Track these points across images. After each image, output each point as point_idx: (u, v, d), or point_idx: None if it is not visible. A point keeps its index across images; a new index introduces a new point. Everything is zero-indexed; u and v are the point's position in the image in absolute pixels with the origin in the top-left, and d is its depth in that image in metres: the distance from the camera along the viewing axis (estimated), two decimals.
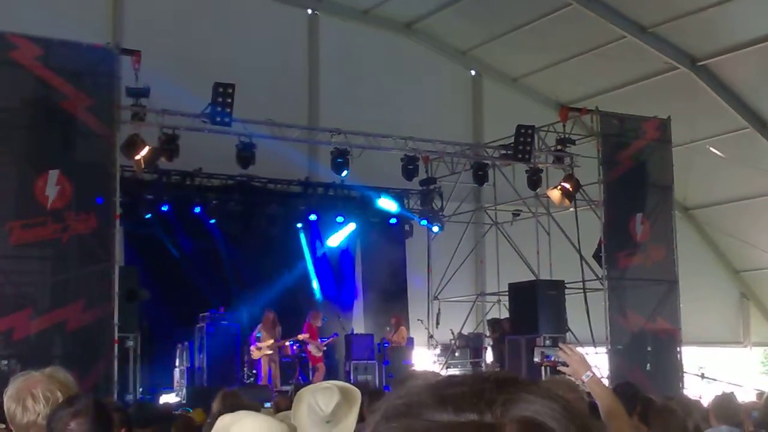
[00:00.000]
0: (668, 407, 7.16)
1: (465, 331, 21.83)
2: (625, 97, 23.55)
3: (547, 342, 18.66)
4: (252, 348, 18.46)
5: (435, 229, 22.65)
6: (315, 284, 21.76)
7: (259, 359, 18.46)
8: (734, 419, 7.79)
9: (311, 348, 19.13)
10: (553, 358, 5.10)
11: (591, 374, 4.69)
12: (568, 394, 4.07)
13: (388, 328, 20.79)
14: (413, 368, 19.43)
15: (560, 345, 5.08)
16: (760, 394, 14.13)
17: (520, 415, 1.22)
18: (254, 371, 18.70)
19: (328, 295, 21.74)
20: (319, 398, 4.20)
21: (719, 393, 8.82)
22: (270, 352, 18.39)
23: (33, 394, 3.50)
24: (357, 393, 4.37)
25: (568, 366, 4.81)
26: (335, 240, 22.13)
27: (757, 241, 25.63)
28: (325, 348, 19.45)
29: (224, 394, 7.06)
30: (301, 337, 18.97)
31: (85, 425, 3.35)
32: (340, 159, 18.84)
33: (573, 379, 4.82)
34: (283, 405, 9.25)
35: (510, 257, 21.50)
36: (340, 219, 21.91)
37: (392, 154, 19.90)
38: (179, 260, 19.83)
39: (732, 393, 8.86)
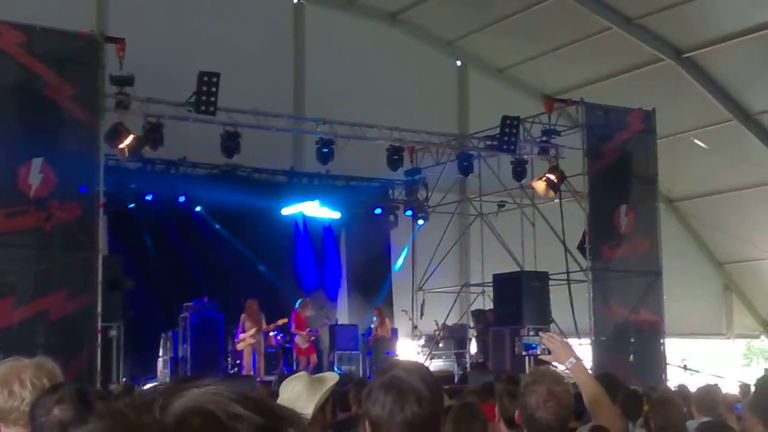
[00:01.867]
0: (667, 398, 7.18)
1: (449, 322, 21.86)
2: (610, 88, 23.57)
3: (531, 333, 18.70)
4: (236, 340, 18.42)
5: (420, 222, 22.68)
6: (299, 273, 21.77)
7: (242, 349, 18.43)
8: (716, 411, 7.82)
9: (297, 339, 19.05)
10: (536, 349, 5.04)
11: (574, 360, 4.62)
12: (554, 387, 4.05)
13: (375, 318, 20.63)
14: (396, 358, 19.44)
15: (541, 333, 5.04)
16: (743, 386, 14.20)
17: (180, 408, 1.21)
18: (238, 361, 18.67)
19: (313, 284, 21.70)
20: (285, 389, 4.24)
21: (702, 385, 8.85)
22: (253, 341, 18.33)
23: (21, 379, 3.48)
24: (326, 382, 4.36)
25: (550, 353, 4.76)
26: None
27: (741, 234, 25.73)
28: (312, 338, 19.32)
29: None
30: (281, 322, 18.83)
31: (68, 411, 3.34)
32: (326, 149, 18.79)
33: (557, 367, 4.77)
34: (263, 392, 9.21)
35: (495, 248, 21.52)
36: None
37: (377, 144, 19.87)
38: (163, 249, 19.76)
39: (715, 385, 8.90)
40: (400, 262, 23.13)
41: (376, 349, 20.01)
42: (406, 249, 23.09)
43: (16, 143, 14.44)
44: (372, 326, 20.47)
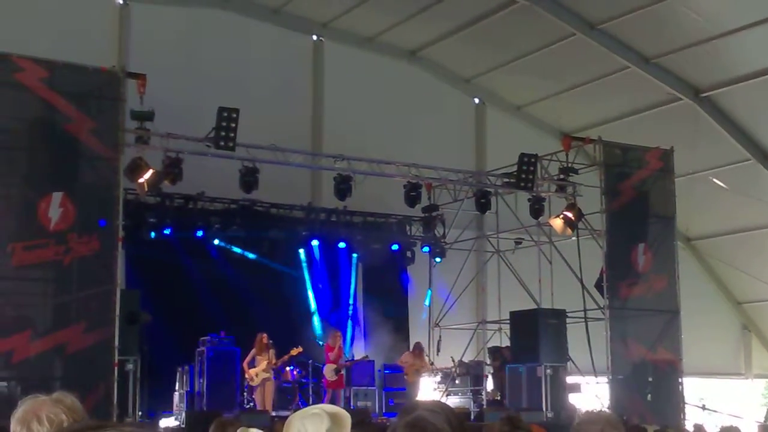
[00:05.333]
0: None
1: (466, 359, 21.77)
2: (628, 127, 23.60)
3: (548, 372, 18.58)
4: (249, 373, 18.27)
5: (437, 259, 22.69)
6: (315, 306, 21.76)
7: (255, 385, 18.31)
8: None
9: (325, 371, 19.02)
10: None
11: None
12: (608, 429, 3.97)
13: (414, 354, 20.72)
14: (417, 397, 19.38)
15: None
16: (763, 427, 14.10)
17: None
18: (254, 396, 18.61)
19: (329, 320, 21.69)
20: (308, 425, 4.12)
21: (724, 426, 8.80)
22: (266, 375, 18.21)
23: (38, 416, 3.49)
24: (347, 418, 4.30)
25: None
26: None
27: (759, 273, 25.59)
28: (341, 371, 19.20)
29: (220, 422, 6.85)
30: (294, 352, 18.64)
31: None
32: (343, 185, 18.81)
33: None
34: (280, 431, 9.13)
35: (512, 285, 21.47)
36: (342, 245, 21.96)
37: (395, 180, 19.90)
38: (181, 284, 19.80)
39: (736, 427, 8.84)
40: (427, 301, 23.13)
41: (415, 386, 20.10)
42: (429, 291, 23.07)
43: (37, 177, 14.55)
44: (401, 360, 20.50)
